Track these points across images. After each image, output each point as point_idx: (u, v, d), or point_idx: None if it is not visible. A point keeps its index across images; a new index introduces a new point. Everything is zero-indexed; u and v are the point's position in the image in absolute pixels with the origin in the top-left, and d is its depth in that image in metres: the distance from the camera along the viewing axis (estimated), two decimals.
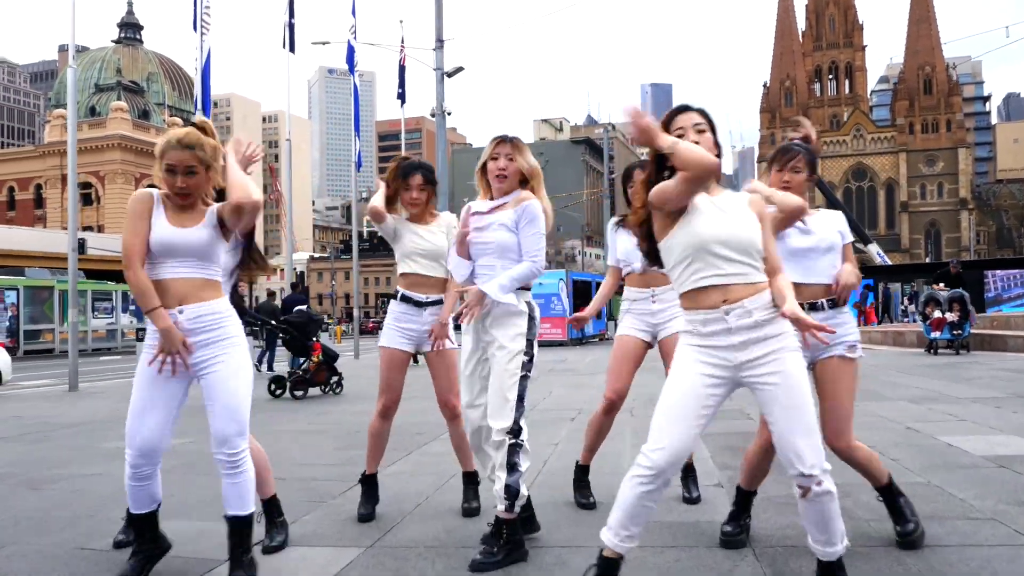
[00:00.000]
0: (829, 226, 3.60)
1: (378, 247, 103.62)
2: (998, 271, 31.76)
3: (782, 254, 3.09)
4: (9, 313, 28.96)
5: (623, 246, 4.38)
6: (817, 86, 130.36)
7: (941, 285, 17.62)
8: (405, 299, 4.21)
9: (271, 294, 20.33)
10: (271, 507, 3.77)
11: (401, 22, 26.46)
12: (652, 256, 2.93)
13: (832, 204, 32.97)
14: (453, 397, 4.19)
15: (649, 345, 4.37)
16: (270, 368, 17.91)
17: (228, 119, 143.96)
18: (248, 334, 14.40)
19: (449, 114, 23.71)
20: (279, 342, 15.19)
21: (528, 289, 3.63)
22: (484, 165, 3.68)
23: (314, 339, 12.25)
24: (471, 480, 4.38)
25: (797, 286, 3.42)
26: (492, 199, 3.68)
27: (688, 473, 4.51)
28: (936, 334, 16.51)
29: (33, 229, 59.21)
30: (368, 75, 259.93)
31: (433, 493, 4.86)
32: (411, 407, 7.22)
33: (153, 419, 3.06)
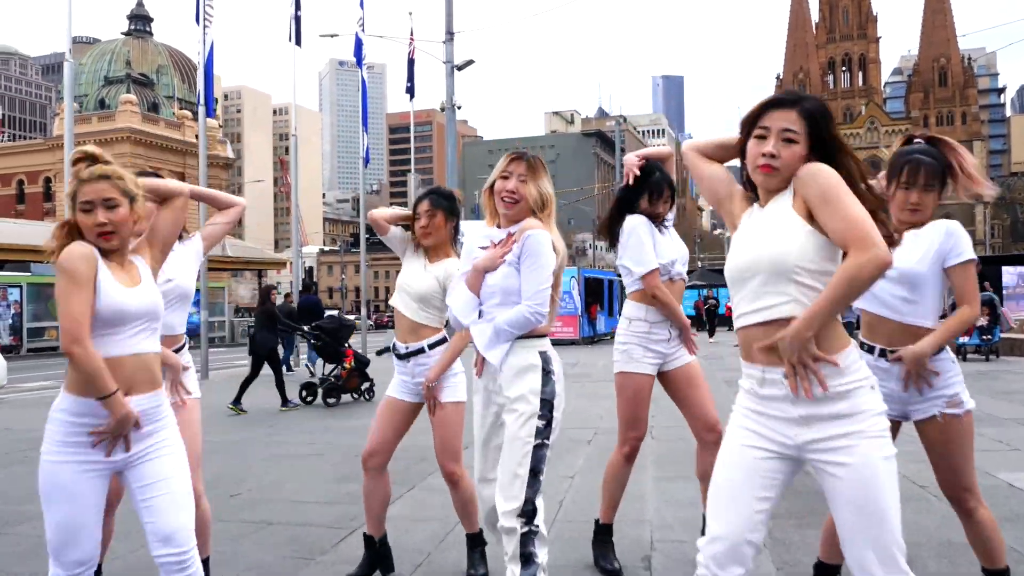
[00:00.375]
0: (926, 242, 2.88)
1: None
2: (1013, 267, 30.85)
3: None
4: (12, 311, 28.57)
5: (669, 249, 3.82)
6: (831, 78, 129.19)
7: None
8: (394, 346, 3.72)
9: (286, 296, 19.98)
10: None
11: (410, 14, 25.95)
12: None
13: None
14: (450, 462, 3.63)
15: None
16: (290, 369, 17.50)
17: (239, 111, 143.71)
18: (282, 341, 14.11)
19: (459, 108, 23.21)
20: (294, 341, 15.07)
21: (544, 336, 2.99)
22: (493, 184, 3.06)
23: (346, 345, 12.06)
24: (476, 543, 3.83)
25: (875, 322, 2.86)
26: (499, 226, 3.07)
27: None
28: (965, 339, 15.90)
29: (41, 223, 58.94)
30: (379, 67, 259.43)
31: (435, 550, 4.32)
32: (415, 427, 6.68)
33: (91, 537, 2.48)
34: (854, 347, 2.15)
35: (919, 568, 3.64)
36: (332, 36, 27.35)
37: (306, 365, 16.74)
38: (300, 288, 19.45)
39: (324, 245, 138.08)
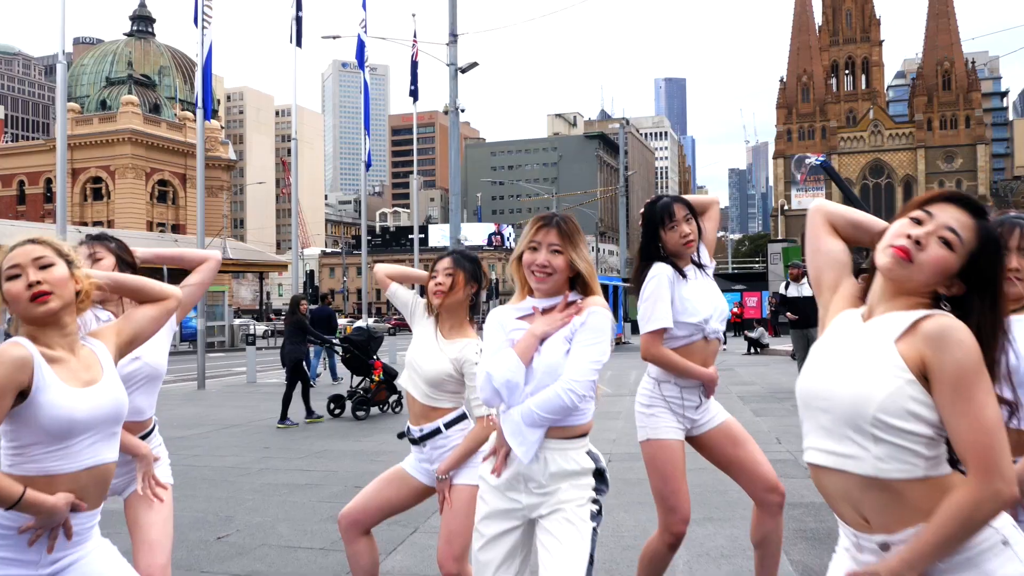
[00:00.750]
0: None
1: (389, 242, 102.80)
2: None
3: None
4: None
5: (703, 303, 3.31)
6: (834, 81, 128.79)
7: None
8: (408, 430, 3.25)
9: (300, 305, 19.64)
10: None
11: (414, 16, 25.63)
12: None
13: (849, 200, 31.75)
14: (452, 560, 2.99)
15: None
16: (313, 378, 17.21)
17: (241, 112, 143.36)
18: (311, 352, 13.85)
19: (463, 111, 22.79)
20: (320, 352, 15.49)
21: (586, 435, 2.51)
22: (521, 255, 2.55)
23: (375, 357, 11.84)
24: None
25: None
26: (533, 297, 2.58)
27: None
28: None
29: (41, 224, 58.59)
30: (381, 68, 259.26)
31: None
32: None
33: None
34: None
35: None
36: (334, 38, 26.93)
37: (318, 374, 16.55)
38: (307, 297, 19.08)
39: (326, 247, 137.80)
